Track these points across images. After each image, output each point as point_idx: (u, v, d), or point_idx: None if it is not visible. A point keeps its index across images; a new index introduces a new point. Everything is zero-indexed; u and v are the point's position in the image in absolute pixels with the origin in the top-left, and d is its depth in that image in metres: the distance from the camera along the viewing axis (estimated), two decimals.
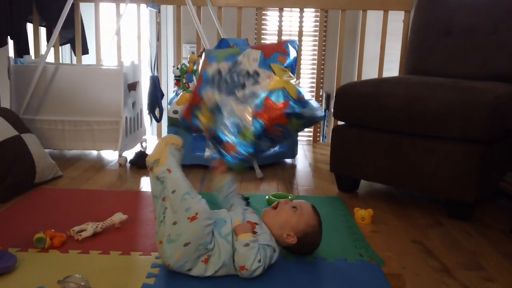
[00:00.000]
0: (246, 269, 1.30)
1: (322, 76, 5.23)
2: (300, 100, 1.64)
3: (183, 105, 2.32)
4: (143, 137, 3.00)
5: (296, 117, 1.62)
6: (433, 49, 2.38)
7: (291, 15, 5.16)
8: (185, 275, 1.32)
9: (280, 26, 3.21)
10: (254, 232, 1.36)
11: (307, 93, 1.71)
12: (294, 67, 1.83)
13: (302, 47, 3.29)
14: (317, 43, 3.31)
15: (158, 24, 2.76)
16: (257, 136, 1.65)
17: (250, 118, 1.67)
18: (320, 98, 3.56)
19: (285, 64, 1.77)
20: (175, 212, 1.30)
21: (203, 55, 1.82)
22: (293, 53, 1.86)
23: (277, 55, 1.78)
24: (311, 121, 1.68)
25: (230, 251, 1.33)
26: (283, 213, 1.44)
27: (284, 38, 3.37)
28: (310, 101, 1.67)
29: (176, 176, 1.34)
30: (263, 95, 1.67)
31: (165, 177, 1.34)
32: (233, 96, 1.71)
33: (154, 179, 1.38)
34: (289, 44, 1.86)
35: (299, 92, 1.66)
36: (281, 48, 1.84)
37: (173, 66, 2.71)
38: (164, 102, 2.80)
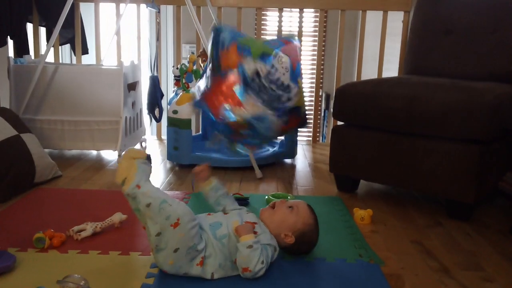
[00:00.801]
0: (249, 270, 1.30)
1: (321, 76, 5.22)
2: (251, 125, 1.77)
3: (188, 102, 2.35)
4: (143, 137, 3.00)
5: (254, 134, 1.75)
6: (433, 49, 2.39)
7: (290, 15, 5.16)
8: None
9: (279, 26, 3.21)
10: (254, 232, 1.36)
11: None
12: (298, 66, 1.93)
13: (302, 47, 3.29)
14: (316, 43, 3.31)
15: (158, 24, 2.76)
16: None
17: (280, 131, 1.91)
18: (320, 98, 3.56)
19: (298, 71, 1.87)
20: (156, 223, 1.27)
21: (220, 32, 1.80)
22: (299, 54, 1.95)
23: (299, 65, 1.84)
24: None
25: (226, 253, 1.33)
26: (280, 213, 1.45)
27: None
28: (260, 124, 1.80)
29: (146, 189, 1.29)
30: (288, 111, 1.89)
31: (136, 193, 1.28)
32: (272, 111, 1.81)
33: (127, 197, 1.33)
34: (297, 48, 1.92)
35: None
36: (296, 55, 1.90)
37: (173, 66, 2.71)
38: (163, 102, 2.81)
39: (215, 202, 1.57)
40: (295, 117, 1.83)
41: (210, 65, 1.85)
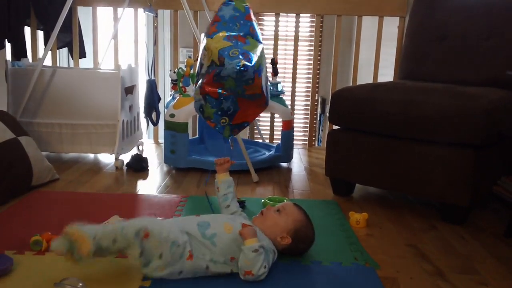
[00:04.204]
0: (252, 274, 1.31)
1: (317, 80, 5.25)
2: (220, 64, 1.81)
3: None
4: (140, 140, 3.01)
5: (221, 79, 1.81)
6: (428, 55, 2.41)
7: (287, 20, 5.19)
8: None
9: (276, 31, 3.23)
10: None
11: (234, 48, 1.91)
12: (233, 20, 1.98)
13: (298, 52, 3.31)
14: (312, 47, 3.33)
15: (155, 28, 2.77)
16: (214, 106, 1.94)
17: (201, 96, 1.96)
18: (316, 103, 3.58)
19: (214, 33, 1.90)
20: (131, 246, 1.27)
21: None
22: (227, 12, 2.01)
23: (209, 27, 1.93)
24: (236, 77, 1.88)
25: (216, 251, 1.34)
26: (270, 218, 1.47)
27: (280, 42, 3.40)
28: (227, 59, 1.87)
29: (101, 233, 1.27)
30: (205, 72, 1.98)
31: (97, 244, 1.26)
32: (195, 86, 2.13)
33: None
34: (222, 7, 2.04)
35: (219, 56, 1.82)
36: (215, 17, 2.04)
37: (170, 70, 2.73)
38: (161, 106, 2.81)
39: (224, 197, 1.63)
40: (208, 74, 1.93)
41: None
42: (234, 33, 1.94)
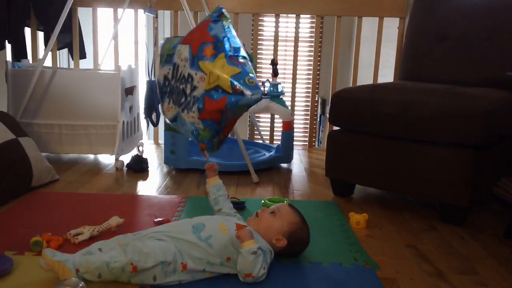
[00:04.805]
0: (252, 276, 1.31)
1: (317, 81, 5.25)
2: (236, 92, 1.76)
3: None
4: (140, 141, 3.01)
5: (235, 107, 1.77)
6: (428, 55, 2.41)
7: (287, 21, 5.20)
8: None
9: (276, 32, 3.23)
10: None
11: (247, 75, 1.82)
12: (226, 41, 1.89)
13: (298, 53, 3.31)
14: (312, 48, 3.33)
15: (155, 29, 2.77)
16: (213, 129, 1.87)
17: (199, 121, 1.87)
18: (316, 103, 3.58)
19: (213, 55, 1.83)
20: (120, 279, 1.27)
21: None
22: (219, 31, 1.88)
23: (202, 47, 1.84)
24: (251, 105, 1.84)
25: (213, 253, 1.34)
26: (265, 220, 1.47)
27: (280, 43, 3.40)
28: (246, 90, 1.79)
29: (85, 265, 1.26)
30: (201, 96, 1.83)
31: (82, 275, 1.26)
32: (181, 107, 1.93)
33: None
34: (211, 25, 1.89)
35: (232, 84, 1.77)
36: (204, 35, 1.88)
37: None
38: (161, 107, 2.81)
39: (215, 200, 1.63)
40: (209, 101, 1.84)
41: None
42: (231, 54, 1.88)
